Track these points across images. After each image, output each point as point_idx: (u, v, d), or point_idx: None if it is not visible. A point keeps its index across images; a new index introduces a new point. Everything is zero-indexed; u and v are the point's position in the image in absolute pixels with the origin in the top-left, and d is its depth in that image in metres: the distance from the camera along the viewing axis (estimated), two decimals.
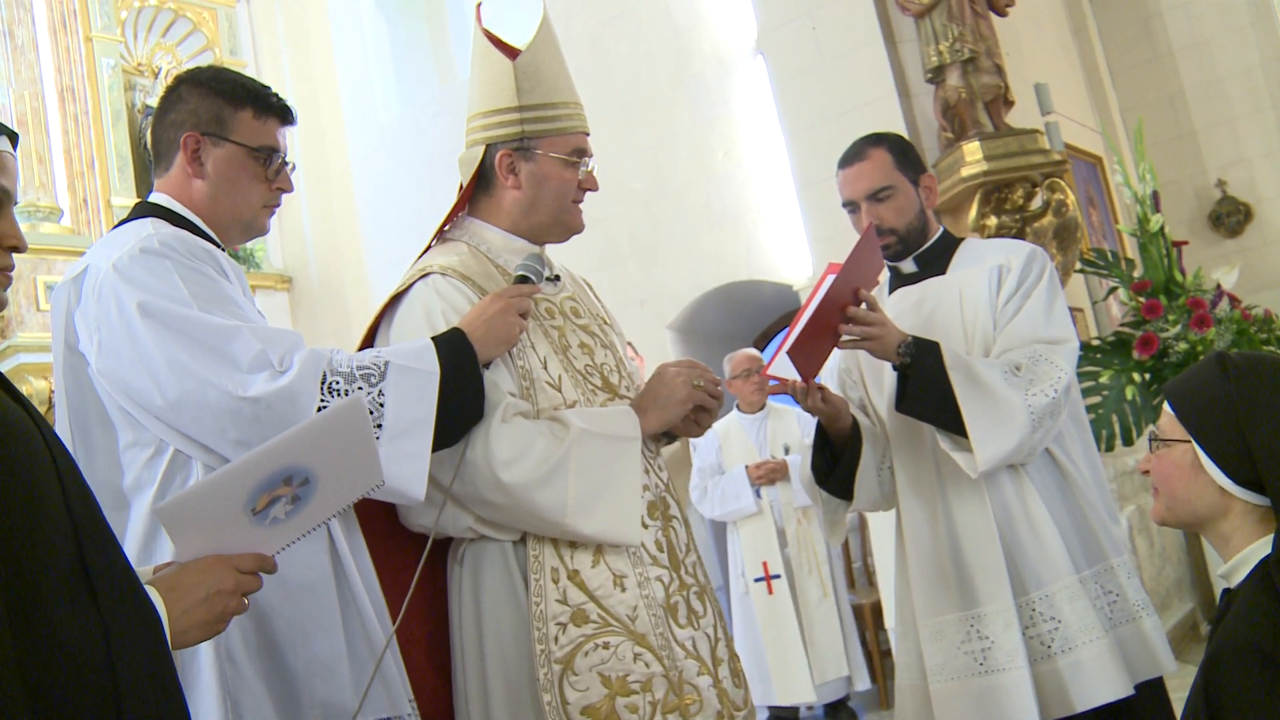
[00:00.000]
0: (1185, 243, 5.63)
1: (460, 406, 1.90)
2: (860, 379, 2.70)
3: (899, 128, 5.81)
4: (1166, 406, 1.71)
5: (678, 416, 2.15)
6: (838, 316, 2.33)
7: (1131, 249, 6.10)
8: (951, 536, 2.45)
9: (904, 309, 2.59)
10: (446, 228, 2.29)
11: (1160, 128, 7.67)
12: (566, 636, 1.95)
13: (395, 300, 2.13)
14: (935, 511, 2.48)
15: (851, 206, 2.59)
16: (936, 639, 2.45)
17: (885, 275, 2.73)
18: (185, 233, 1.88)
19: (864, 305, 2.36)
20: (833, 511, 2.67)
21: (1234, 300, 5.42)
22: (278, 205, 2.05)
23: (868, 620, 5.58)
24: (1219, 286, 5.34)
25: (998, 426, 2.31)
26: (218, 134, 1.94)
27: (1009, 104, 5.44)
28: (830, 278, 2.36)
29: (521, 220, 2.20)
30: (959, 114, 5.35)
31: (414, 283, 2.11)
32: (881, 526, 4.80)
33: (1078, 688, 2.31)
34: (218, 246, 1.96)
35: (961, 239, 2.68)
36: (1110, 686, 2.29)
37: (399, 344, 1.96)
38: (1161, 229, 5.30)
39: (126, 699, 1.19)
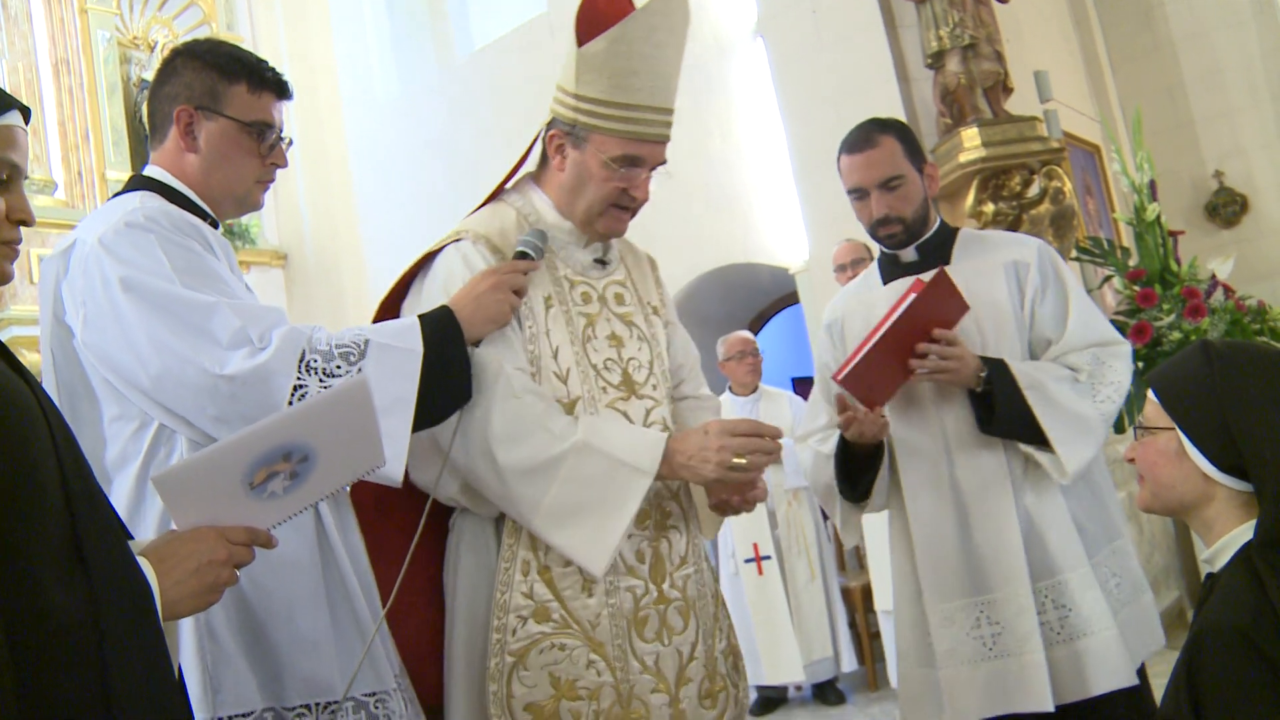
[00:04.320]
0: (1181, 232, 5.64)
1: (443, 386, 1.87)
2: None
3: (898, 113, 5.80)
4: (1151, 394, 1.72)
5: (702, 484, 2.08)
6: (908, 350, 2.35)
7: (1127, 238, 6.10)
8: (963, 524, 2.45)
9: None
10: (508, 184, 2.23)
11: (1159, 118, 7.65)
12: (525, 631, 1.94)
13: (429, 259, 2.11)
14: (945, 500, 2.47)
15: (859, 193, 2.55)
16: (946, 624, 2.45)
17: (874, 267, 2.73)
18: (172, 207, 1.87)
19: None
20: (850, 515, 2.66)
21: (1228, 290, 5.43)
22: (272, 180, 2.04)
23: (857, 602, 5.61)
24: (1214, 276, 5.35)
25: (1080, 438, 2.37)
26: (211, 108, 1.92)
27: (1008, 91, 5.43)
28: (907, 300, 2.35)
29: (565, 204, 2.14)
30: (958, 100, 5.34)
31: (446, 245, 2.09)
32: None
33: (1087, 675, 2.33)
34: (211, 221, 1.96)
35: (957, 229, 2.68)
36: (1118, 675, 2.32)
37: (386, 322, 1.94)
38: (1158, 218, 5.31)
39: (114, 667, 1.20)
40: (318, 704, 1.77)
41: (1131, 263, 5.28)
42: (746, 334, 5.87)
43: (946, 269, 2.39)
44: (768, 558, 5.28)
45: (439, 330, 1.87)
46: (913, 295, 2.33)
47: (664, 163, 2.12)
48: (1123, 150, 5.83)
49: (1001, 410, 2.37)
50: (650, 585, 2.04)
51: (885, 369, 2.36)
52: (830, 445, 2.59)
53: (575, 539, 1.92)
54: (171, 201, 1.91)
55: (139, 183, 1.97)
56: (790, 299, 7.35)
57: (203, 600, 1.40)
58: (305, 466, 1.48)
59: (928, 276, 2.39)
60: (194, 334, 1.73)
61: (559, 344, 2.05)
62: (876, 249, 5.38)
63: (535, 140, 2.17)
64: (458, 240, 2.09)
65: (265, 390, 1.72)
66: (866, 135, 2.55)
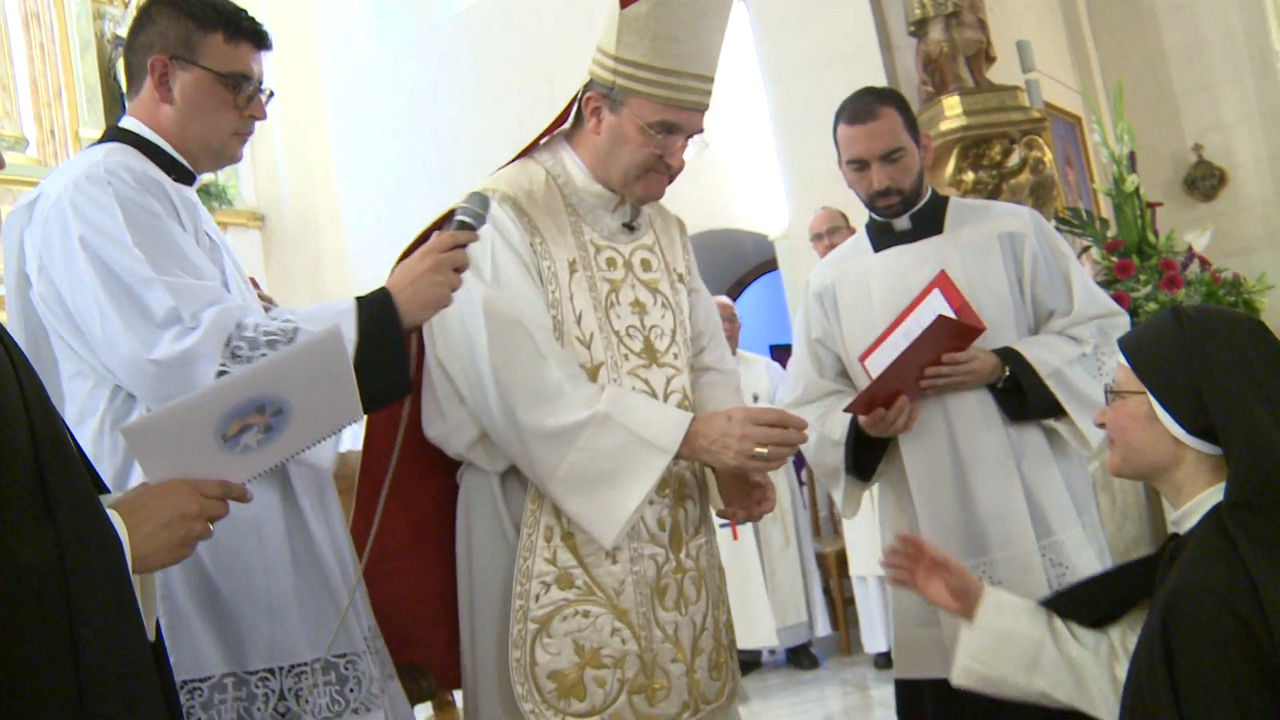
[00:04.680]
0: (1159, 204, 5.66)
1: (375, 375, 1.73)
2: (840, 338, 2.69)
3: (880, 80, 5.78)
4: (1122, 359, 1.73)
5: (721, 469, 2.05)
6: (918, 372, 2.41)
7: (1106, 209, 6.12)
8: (962, 487, 2.49)
9: (902, 268, 2.58)
10: (541, 142, 2.19)
11: (1140, 90, 7.65)
12: (548, 598, 1.93)
13: (452, 214, 2.02)
14: (945, 464, 2.50)
15: (859, 164, 2.56)
16: None
17: (862, 233, 2.74)
18: (137, 161, 1.83)
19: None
20: (855, 492, 2.70)
21: (1204, 263, 5.47)
22: (249, 133, 2.00)
23: (831, 568, 5.65)
24: (1190, 249, 5.38)
25: (1095, 414, 2.44)
26: (186, 58, 1.89)
27: (990, 60, 5.42)
28: (931, 294, 2.45)
29: (599, 167, 2.10)
30: (940, 68, 5.33)
31: None
32: None
33: None
34: (188, 175, 1.93)
35: (947, 198, 2.70)
36: None
37: (319, 304, 1.87)
38: (1137, 190, 5.33)
39: (81, 620, 1.18)
40: (282, 667, 1.76)
41: (1110, 234, 5.30)
42: (724, 300, 5.87)
43: (944, 314, 2.41)
44: (743, 522, 5.30)
45: (375, 317, 1.76)
46: (911, 332, 2.42)
47: (701, 131, 2.08)
48: (1103, 121, 5.84)
49: (1034, 403, 2.45)
50: (669, 554, 2.04)
51: (896, 389, 2.42)
52: (833, 429, 2.60)
53: (587, 509, 1.91)
54: (146, 154, 1.88)
55: (113, 134, 1.94)
56: (769, 265, 7.35)
57: (174, 554, 1.39)
58: (279, 420, 1.47)
59: (938, 309, 2.44)
60: (132, 308, 1.69)
61: (582, 309, 2.03)
62: (853, 216, 5.42)
63: (572, 101, 2.13)
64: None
65: (188, 375, 1.67)
66: (868, 107, 2.55)
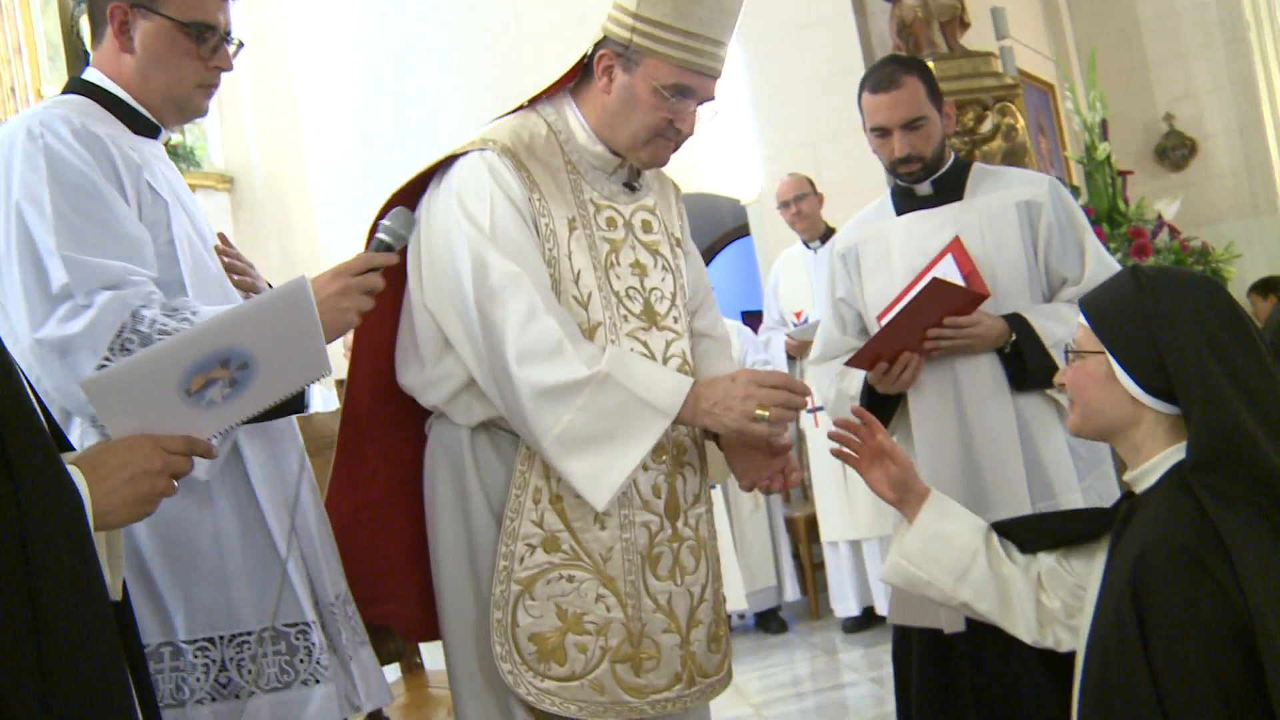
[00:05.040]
0: (1130, 172, 5.70)
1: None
2: (861, 297, 2.76)
3: (854, 45, 5.78)
4: (1082, 319, 1.74)
5: (723, 433, 2.00)
6: (919, 333, 2.47)
7: (1078, 176, 6.15)
8: (967, 446, 2.55)
9: (923, 232, 2.65)
10: (543, 97, 2.13)
11: (1113, 59, 7.67)
12: (533, 560, 1.90)
13: (449, 161, 2.00)
14: (951, 424, 2.57)
15: (881, 132, 2.62)
16: None
17: (886, 197, 2.80)
18: (79, 114, 1.77)
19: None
20: None
21: (1174, 231, 5.51)
22: (215, 86, 1.94)
23: (801, 533, 5.69)
24: (1160, 217, 5.43)
25: None
26: (147, 6, 1.83)
27: (965, 26, 5.42)
28: (943, 259, 2.50)
29: (604, 128, 2.04)
30: (914, 33, 5.33)
31: (471, 151, 1.99)
32: (818, 443, 4.87)
33: None
34: (152, 129, 1.89)
35: (970, 163, 2.76)
36: None
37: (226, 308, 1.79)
38: (1108, 158, 5.36)
39: (40, 576, 1.17)
40: (223, 637, 1.74)
41: (1080, 201, 5.33)
42: None
43: (939, 276, 2.46)
44: (713, 486, 5.31)
45: None
46: (911, 295, 2.47)
47: (713, 99, 2.03)
48: (1076, 89, 5.85)
49: (1032, 366, 2.49)
50: (665, 522, 2.00)
51: (899, 348, 2.48)
52: (850, 384, 2.68)
53: (582, 469, 1.86)
54: (107, 106, 1.84)
55: (74, 86, 1.89)
56: (742, 231, 7.33)
57: (137, 510, 1.37)
58: (245, 374, 1.45)
59: (948, 274, 2.49)
60: (34, 280, 1.63)
61: (580, 267, 1.97)
62: (820, 182, 5.41)
63: (580, 60, 2.07)
64: (483, 149, 1.98)
65: (65, 365, 1.61)
66: (891, 76, 2.60)
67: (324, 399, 4.49)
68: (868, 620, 5.17)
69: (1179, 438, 1.63)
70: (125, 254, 1.69)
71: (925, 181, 2.67)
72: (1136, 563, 1.51)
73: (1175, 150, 7.95)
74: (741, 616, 5.70)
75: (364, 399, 2.11)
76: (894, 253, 2.67)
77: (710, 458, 2.16)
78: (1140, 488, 1.70)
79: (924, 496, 1.96)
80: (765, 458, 2.05)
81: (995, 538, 1.92)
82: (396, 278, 2.05)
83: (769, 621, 5.52)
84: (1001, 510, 2.48)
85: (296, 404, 1.76)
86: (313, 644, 1.80)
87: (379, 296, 1.96)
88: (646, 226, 2.11)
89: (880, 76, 2.62)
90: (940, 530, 1.91)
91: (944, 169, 2.68)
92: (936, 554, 1.91)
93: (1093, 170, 5.31)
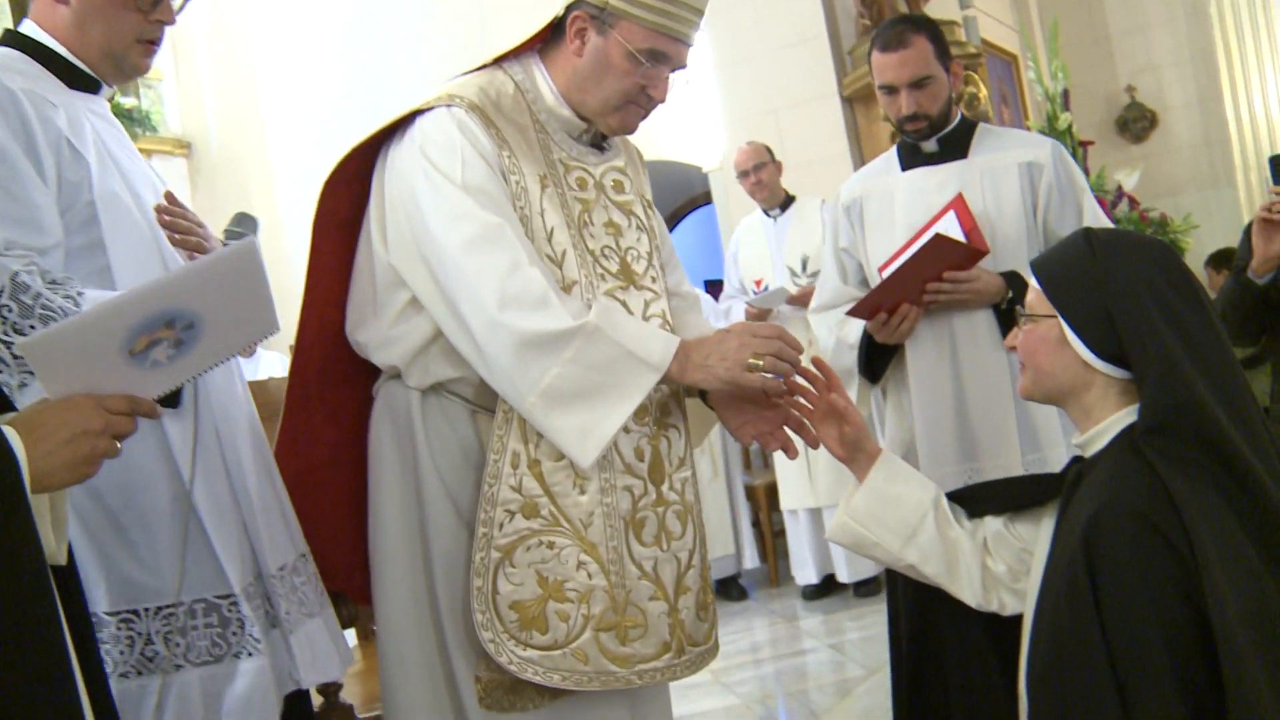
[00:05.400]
0: (1091, 143, 5.73)
1: None
2: (863, 249, 2.82)
3: (818, 13, 5.75)
4: (1033, 281, 1.73)
5: (714, 387, 1.91)
6: (919, 286, 2.54)
7: None
8: (960, 397, 2.64)
9: (926, 188, 2.72)
10: (510, 56, 2.07)
11: (1076, 30, 7.69)
12: (512, 526, 1.84)
13: (414, 116, 1.94)
14: (946, 376, 2.65)
15: (889, 89, 2.68)
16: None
17: (893, 152, 2.86)
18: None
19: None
20: (865, 392, 2.84)
21: (1133, 202, 5.54)
22: (157, 41, 1.89)
23: (761, 501, 5.71)
24: (1120, 188, 5.46)
25: None
26: None
27: None
28: (946, 214, 2.56)
29: (574, 91, 1.99)
30: (877, 2, 5.32)
31: (437, 106, 1.92)
32: None
33: None
34: (92, 84, 1.84)
35: (976, 123, 2.81)
36: None
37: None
38: (1069, 127, 5.38)
39: None
40: (147, 609, 1.71)
41: None
42: None
43: (940, 232, 2.52)
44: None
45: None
46: (913, 249, 2.52)
47: (685, 67, 1.99)
48: (1039, 59, 5.86)
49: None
50: (649, 486, 1.94)
51: (899, 299, 2.56)
52: (850, 333, 2.76)
53: (568, 425, 1.79)
54: (41, 60, 1.78)
55: (6, 39, 1.84)
56: (704, 199, 7.29)
57: (77, 472, 1.33)
58: (191, 334, 1.41)
59: (949, 229, 2.54)
60: None
61: (553, 225, 1.91)
62: (779, 150, 5.40)
63: (550, 22, 2.02)
64: (450, 105, 1.91)
65: None
66: (900, 35, 2.66)
67: (282, 364, 4.43)
68: (827, 588, 5.20)
69: (1129, 402, 1.63)
70: (17, 216, 1.65)
71: (931, 139, 2.73)
72: (1089, 525, 1.50)
73: (1136, 122, 7.99)
74: None
75: (314, 357, 2.07)
76: (897, 207, 2.75)
77: (691, 421, 2.12)
78: (1090, 452, 1.70)
79: (875, 457, 1.94)
80: (760, 409, 2.00)
81: (944, 501, 1.92)
82: (347, 232, 2.02)
83: (729, 589, 5.55)
84: (992, 460, 2.58)
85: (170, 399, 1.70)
86: (244, 616, 1.77)
87: (329, 253, 1.92)
88: (618, 187, 2.07)
89: (889, 36, 2.67)
90: (890, 492, 1.91)
91: (950, 127, 2.74)
92: (885, 515, 1.90)
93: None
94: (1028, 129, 6.53)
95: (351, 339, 2.03)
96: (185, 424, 1.81)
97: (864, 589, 5.06)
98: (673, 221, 7.92)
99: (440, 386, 1.96)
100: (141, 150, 2.07)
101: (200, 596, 1.73)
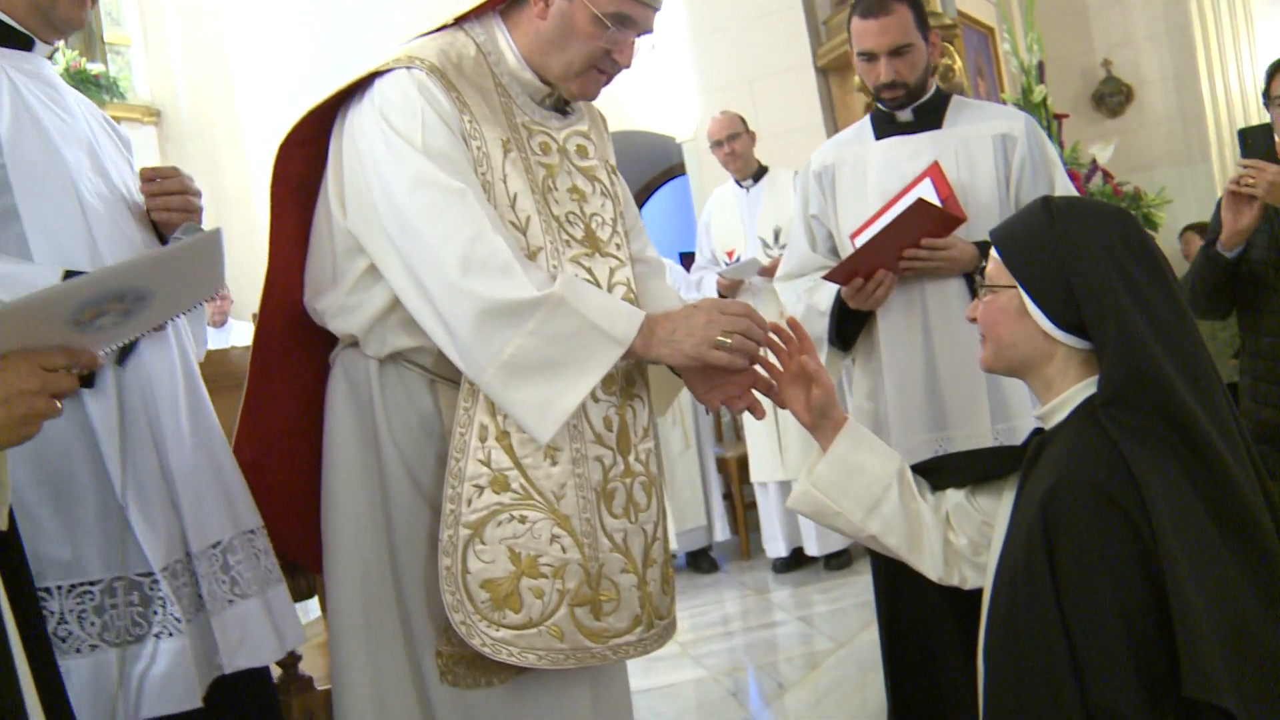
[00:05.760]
0: (1066, 115, 5.71)
1: None
2: (834, 216, 2.81)
3: None
4: (993, 252, 1.70)
5: (680, 364, 1.88)
6: (896, 252, 2.54)
7: None
8: (930, 365, 2.64)
9: (900, 156, 2.72)
10: (471, 16, 2.01)
11: (1053, 3, 7.66)
12: (481, 501, 1.79)
13: (372, 78, 1.88)
14: (917, 344, 2.65)
15: (868, 56, 2.67)
16: (908, 458, 2.58)
17: (866, 121, 2.85)
18: None
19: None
20: (835, 361, 2.84)
21: (1107, 175, 5.53)
22: None
23: (733, 473, 5.70)
24: (1094, 161, 5.44)
25: None
26: None
27: None
28: (922, 182, 2.56)
29: (536, 54, 1.94)
30: None
31: (396, 68, 1.87)
32: None
33: None
34: (24, 40, 1.77)
35: (950, 94, 2.81)
36: None
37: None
38: (1044, 100, 5.35)
39: None
40: (60, 586, 1.66)
41: None
42: None
43: (923, 198, 2.53)
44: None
45: None
46: (893, 214, 2.53)
47: (651, 31, 1.94)
48: (1015, 31, 5.83)
49: None
50: (618, 456, 1.90)
51: (875, 265, 2.55)
52: (821, 300, 2.75)
53: (528, 399, 1.75)
54: None
55: None
56: (678, 170, 7.24)
57: (15, 434, 1.29)
58: (140, 304, 1.39)
59: (922, 194, 2.54)
60: None
61: (517, 191, 1.86)
62: (753, 119, 5.37)
63: None
64: (410, 66, 1.86)
65: None
66: (881, 2, 2.64)
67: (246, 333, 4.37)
68: (797, 561, 5.20)
69: (1090, 373, 1.62)
70: None
71: (906, 109, 2.73)
72: (1047, 498, 1.49)
73: (1112, 96, 7.98)
74: (673, 556, 5.71)
75: (276, 325, 2.02)
76: (870, 175, 2.75)
77: (654, 391, 2.09)
78: (1050, 424, 1.68)
79: (840, 425, 1.92)
80: (727, 374, 1.95)
81: (909, 473, 1.90)
82: (305, 196, 1.97)
83: (700, 561, 5.55)
84: (962, 429, 2.58)
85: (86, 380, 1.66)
86: (164, 595, 1.72)
87: (287, 218, 1.88)
88: (582, 152, 2.02)
89: (870, 2, 2.66)
90: (854, 460, 1.88)
91: (925, 97, 2.74)
92: (848, 485, 1.87)
93: (1028, 113, 5.29)
94: (1003, 102, 6.52)
95: (309, 306, 1.99)
96: (107, 401, 1.75)
97: (834, 562, 5.07)
98: (646, 193, 7.87)
99: (399, 355, 1.92)
100: (111, 118, 2.01)
101: (120, 574, 1.68)
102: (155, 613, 1.71)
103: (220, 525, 1.86)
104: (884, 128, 2.79)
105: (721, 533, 5.61)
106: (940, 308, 2.63)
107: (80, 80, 7.70)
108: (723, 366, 1.85)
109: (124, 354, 1.70)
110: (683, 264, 5.93)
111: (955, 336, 2.61)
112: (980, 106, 2.84)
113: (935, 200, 2.54)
